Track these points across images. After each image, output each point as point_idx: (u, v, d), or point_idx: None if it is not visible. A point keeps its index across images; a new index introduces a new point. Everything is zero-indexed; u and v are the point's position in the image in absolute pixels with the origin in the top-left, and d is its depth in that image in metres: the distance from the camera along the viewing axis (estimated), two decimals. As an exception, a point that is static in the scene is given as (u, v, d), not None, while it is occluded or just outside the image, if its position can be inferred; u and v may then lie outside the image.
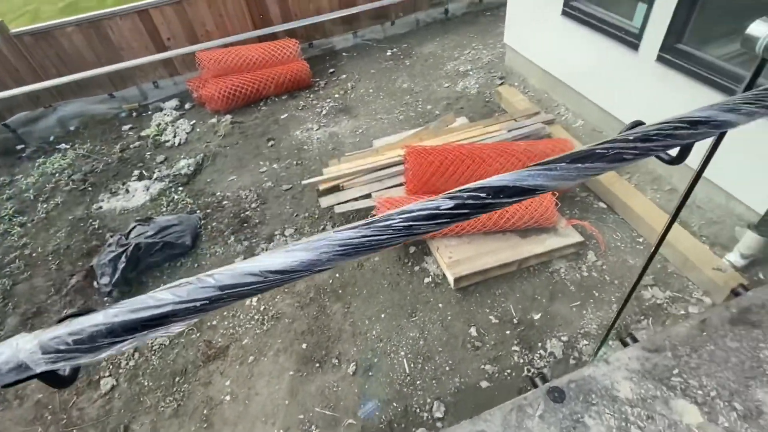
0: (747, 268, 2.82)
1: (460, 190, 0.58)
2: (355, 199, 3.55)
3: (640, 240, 3.11)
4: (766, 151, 2.59)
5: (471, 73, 5.17)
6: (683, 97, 2.97)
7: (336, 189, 3.60)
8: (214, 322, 3.08)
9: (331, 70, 5.73)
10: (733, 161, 2.79)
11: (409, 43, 6.05)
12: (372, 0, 5.89)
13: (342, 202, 3.42)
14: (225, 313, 3.13)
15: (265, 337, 2.93)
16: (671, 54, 2.96)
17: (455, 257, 2.95)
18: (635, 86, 3.34)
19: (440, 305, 2.90)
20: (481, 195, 0.56)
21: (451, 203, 0.54)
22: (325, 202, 3.46)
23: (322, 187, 3.55)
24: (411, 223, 0.55)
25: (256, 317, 3.04)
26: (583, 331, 2.68)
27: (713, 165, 3.04)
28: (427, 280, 3.06)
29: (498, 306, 2.86)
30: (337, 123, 4.78)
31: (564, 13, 3.81)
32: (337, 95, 5.24)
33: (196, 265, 3.57)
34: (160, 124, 5.25)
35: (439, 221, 0.57)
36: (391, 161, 3.62)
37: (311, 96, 5.29)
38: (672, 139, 0.57)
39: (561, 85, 4.20)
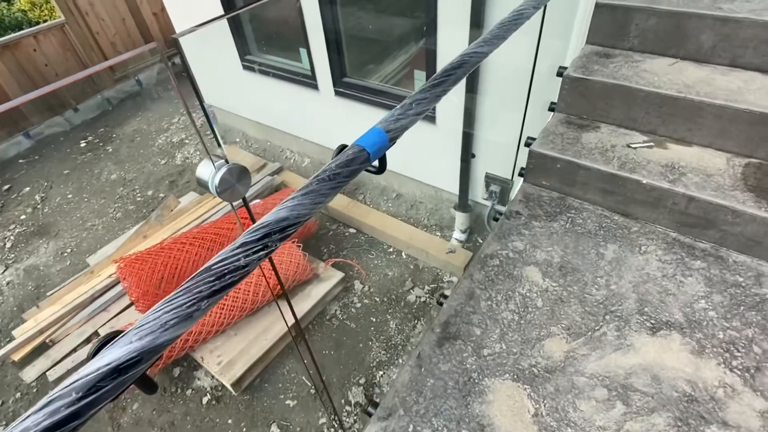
0: (469, 239, 3.36)
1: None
2: (85, 342, 2.76)
3: (391, 250, 3.36)
4: (432, 148, 3.09)
5: (188, 141, 4.78)
6: (365, 121, 3.31)
7: (46, 346, 2.72)
8: None
9: (7, 187, 4.45)
10: (421, 160, 3.26)
11: (106, 127, 5.22)
12: (28, 90, 4.82)
13: (57, 363, 2.59)
14: None
15: None
16: (343, 87, 3.26)
17: (226, 358, 2.57)
18: (330, 118, 3.59)
19: (230, 421, 2.48)
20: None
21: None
22: (30, 373, 2.56)
23: (16, 357, 2.62)
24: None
25: None
26: (376, 363, 2.70)
27: (413, 167, 3.47)
28: (206, 399, 2.58)
29: (291, 385, 2.62)
30: (33, 252, 3.70)
31: (244, 67, 3.82)
32: (23, 216, 4.08)
33: None
34: None
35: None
36: (112, 279, 2.94)
37: (-17, 230, 3.98)
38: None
39: (277, 131, 4.24)
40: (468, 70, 0.78)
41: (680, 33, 1.72)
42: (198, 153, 4.58)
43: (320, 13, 2.92)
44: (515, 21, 0.99)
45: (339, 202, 3.58)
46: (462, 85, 2.55)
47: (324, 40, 3.05)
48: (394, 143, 0.66)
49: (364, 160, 0.60)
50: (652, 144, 1.71)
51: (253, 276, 2.72)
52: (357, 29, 3.01)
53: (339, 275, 3.04)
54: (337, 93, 3.32)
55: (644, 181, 1.57)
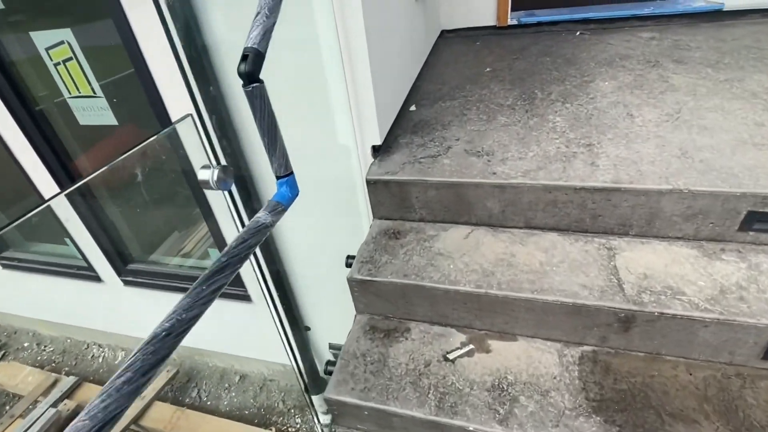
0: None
1: None
2: None
3: (238, 468, 2.54)
4: (262, 324, 2.51)
5: (-50, 363, 3.50)
6: (169, 304, 2.63)
7: None
8: None
9: None
10: (256, 337, 2.65)
11: None
12: None
13: None
14: None
15: None
16: (130, 275, 2.57)
17: None
18: (128, 307, 2.83)
19: None
20: None
21: None
22: None
23: None
24: None
25: None
26: None
27: (250, 346, 2.83)
28: None
29: None
30: None
31: (4, 266, 2.93)
32: None
33: None
34: None
35: None
36: None
37: None
38: None
39: (74, 327, 3.29)
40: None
41: (465, 201, 1.45)
42: (-36, 379, 3.33)
43: (71, 206, 2.28)
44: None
45: (160, 415, 2.70)
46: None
47: (86, 228, 2.39)
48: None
49: None
50: (472, 347, 1.32)
51: None
52: (126, 214, 2.43)
53: None
54: (126, 282, 2.61)
55: (471, 428, 1.13)
